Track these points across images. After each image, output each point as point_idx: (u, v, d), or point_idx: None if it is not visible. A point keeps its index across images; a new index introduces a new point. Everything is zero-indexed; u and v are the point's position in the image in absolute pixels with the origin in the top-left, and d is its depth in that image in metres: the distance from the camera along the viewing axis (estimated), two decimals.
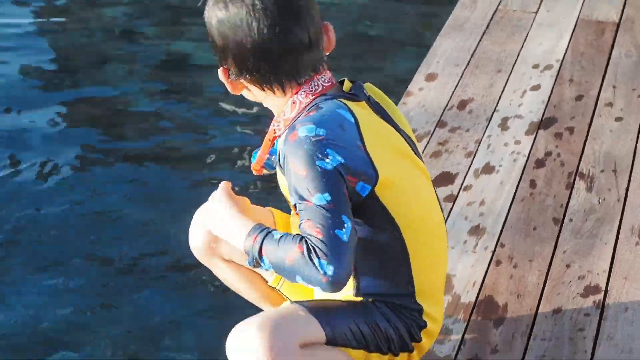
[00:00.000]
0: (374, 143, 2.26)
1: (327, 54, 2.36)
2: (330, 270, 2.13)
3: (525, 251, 3.03)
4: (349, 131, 2.23)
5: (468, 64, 4.09)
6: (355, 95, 2.33)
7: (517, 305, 2.78)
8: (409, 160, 2.37)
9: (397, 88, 4.16)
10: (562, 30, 4.30)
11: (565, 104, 3.81)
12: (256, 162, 2.51)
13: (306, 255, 2.15)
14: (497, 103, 3.83)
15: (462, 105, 3.81)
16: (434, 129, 3.67)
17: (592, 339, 2.65)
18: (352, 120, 2.24)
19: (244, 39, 2.25)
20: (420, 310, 2.42)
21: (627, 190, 3.31)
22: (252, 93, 2.40)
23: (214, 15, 2.30)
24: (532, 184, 3.36)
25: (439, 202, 2.50)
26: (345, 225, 2.17)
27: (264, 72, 2.29)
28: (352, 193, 2.22)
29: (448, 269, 2.79)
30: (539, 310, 2.77)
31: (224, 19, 2.28)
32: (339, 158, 2.19)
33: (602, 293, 2.84)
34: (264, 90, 2.33)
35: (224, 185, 2.48)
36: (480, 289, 2.85)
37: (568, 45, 4.17)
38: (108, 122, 6.05)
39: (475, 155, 3.51)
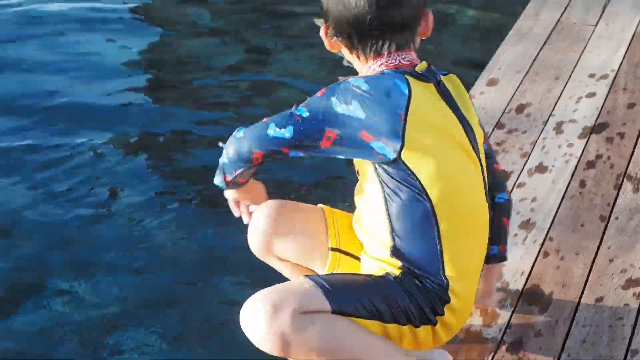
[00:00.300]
0: (420, 118, 2.30)
1: (423, 38, 2.44)
2: (237, 134, 2.45)
3: (572, 245, 3.07)
4: (394, 99, 2.27)
5: (528, 71, 4.11)
6: (425, 76, 2.36)
7: (561, 294, 2.83)
8: (457, 145, 2.39)
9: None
10: (619, 43, 4.31)
11: (617, 111, 3.83)
12: None
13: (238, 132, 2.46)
14: (554, 108, 3.85)
15: (520, 109, 3.83)
16: (492, 130, 3.70)
17: (630, 327, 2.69)
18: (406, 92, 2.28)
19: (345, 7, 2.33)
20: (445, 286, 2.44)
21: None
22: (345, 54, 2.49)
23: None
24: (582, 183, 3.39)
25: (484, 179, 2.50)
26: (283, 131, 2.34)
27: (353, 38, 2.37)
28: (363, 145, 2.29)
29: None
30: (582, 300, 2.81)
31: None
32: (360, 114, 2.28)
33: None
34: (351, 53, 2.43)
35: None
36: (527, 279, 2.90)
37: (624, 57, 4.18)
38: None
39: (530, 156, 3.55)
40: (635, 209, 3.25)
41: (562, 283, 2.89)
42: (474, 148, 2.43)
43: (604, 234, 3.14)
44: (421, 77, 2.34)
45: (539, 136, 3.67)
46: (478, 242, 2.50)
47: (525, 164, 3.49)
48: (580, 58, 4.19)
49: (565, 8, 4.62)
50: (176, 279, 4.19)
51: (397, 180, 2.33)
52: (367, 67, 2.42)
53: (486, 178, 2.51)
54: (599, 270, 2.95)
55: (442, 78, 2.43)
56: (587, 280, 2.91)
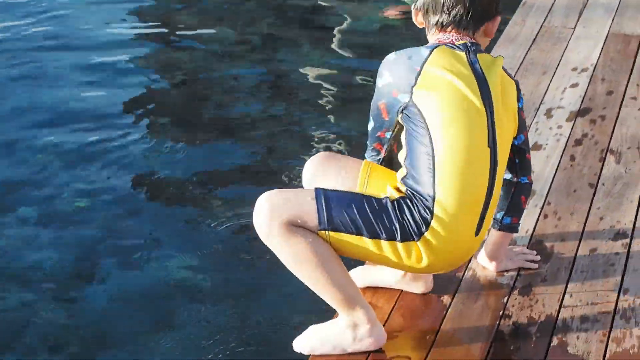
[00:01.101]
0: (434, 72, 2.40)
1: (488, 37, 2.56)
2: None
3: (567, 208, 3.18)
4: (414, 59, 2.41)
5: (519, 68, 4.19)
6: (459, 47, 2.46)
7: (561, 247, 2.96)
8: (463, 98, 2.42)
9: None
10: (596, 41, 4.38)
11: (598, 97, 3.92)
12: None
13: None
14: (543, 97, 3.94)
15: None
16: None
17: (620, 271, 2.84)
18: (425, 54, 2.41)
19: None
20: (430, 207, 2.43)
21: None
22: (422, 24, 2.59)
23: None
24: (572, 157, 3.49)
25: (494, 143, 2.49)
26: (370, 123, 2.59)
27: (429, 13, 2.50)
28: (395, 100, 2.45)
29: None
30: (578, 252, 2.95)
31: None
32: (389, 79, 2.46)
33: (629, 238, 3.02)
34: (425, 22, 2.54)
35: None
36: (532, 236, 3.02)
37: (601, 53, 4.26)
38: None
39: None
40: (618, 176, 3.36)
41: (561, 238, 3.02)
42: (485, 105, 2.44)
43: (593, 197, 3.25)
44: (453, 47, 2.45)
45: (533, 120, 3.75)
46: (476, 182, 2.49)
47: None
48: (563, 55, 4.28)
49: (547, 14, 4.67)
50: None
51: (412, 121, 2.43)
52: (430, 38, 2.55)
53: (497, 136, 2.49)
54: (591, 227, 3.07)
55: (479, 55, 2.47)
56: (582, 236, 3.04)
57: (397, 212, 2.45)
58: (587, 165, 3.48)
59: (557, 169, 3.45)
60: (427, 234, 2.43)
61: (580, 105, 3.89)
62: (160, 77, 6.30)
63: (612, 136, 3.66)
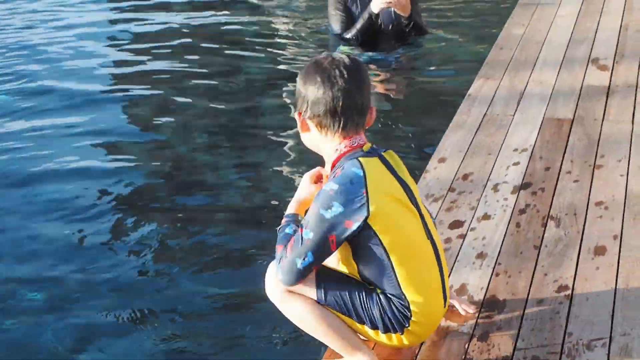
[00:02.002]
0: (375, 188, 2.45)
1: (367, 127, 2.58)
2: (280, 276, 2.53)
3: (515, 267, 3.29)
4: (357, 183, 2.42)
5: (467, 150, 4.27)
6: (370, 153, 2.52)
7: (512, 300, 3.07)
8: (401, 204, 2.52)
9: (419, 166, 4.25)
10: (533, 126, 4.43)
11: (537, 173, 4.01)
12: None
13: (277, 258, 2.54)
14: (490, 174, 4.03)
15: (465, 177, 4.01)
16: (447, 193, 3.86)
17: (565, 318, 2.96)
18: (361, 173, 2.43)
19: (323, 90, 2.46)
20: (407, 306, 2.56)
21: (583, 226, 3.55)
22: (311, 136, 2.57)
23: (309, 78, 2.51)
24: (517, 224, 3.58)
25: (429, 232, 2.63)
26: (306, 259, 2.46)
27: (326, 117, 2.49)
28: (349, 231, 2.45)
29: (462, 280, 3.21)
30: (527, 303, 3.06)
31: (315, 83, 2.48)
32: (340, 209, 2.42)
33: (570, 290, 3.13)
34: (321, 132, 2.53)
35: (314, 170, 2.74)
36: (486, 292, 3.13)
37: (538, 135, 4.36)
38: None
39: (476, 209, 3.71)
40: (558, 239, 3.46)
41: (512, 292, 3.12)
42: (412, 202, 2.56)
43: (537, 257, 3.35)
44: (368, 154, 2.50)
45: (482, 194, 3.84)
46: (430, 270, 2.62)
47: (474, 215, 3.66)
48: (505, 139, 4.37)
49: (490, 104, 4.79)
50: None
51: (364, 239, 2.50)
52: (334, 147, 2.53)
53: (427, 219, 2.65)
54: (537, 282, 3.18)
55: (384, 153, 2.57)
56: (529, 290, 3.14)
57: (381, 308, 2.59)
58: (531, 230, 3.56)
59: (505, 235, 3.53)
60: (409, 328, 2.60)
61: (522, 180, 3.96)
62: None
63: (551, 205, 3.74)
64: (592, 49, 5.49)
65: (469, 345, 2.86)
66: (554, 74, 5.12)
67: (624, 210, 3.66)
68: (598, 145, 4.26)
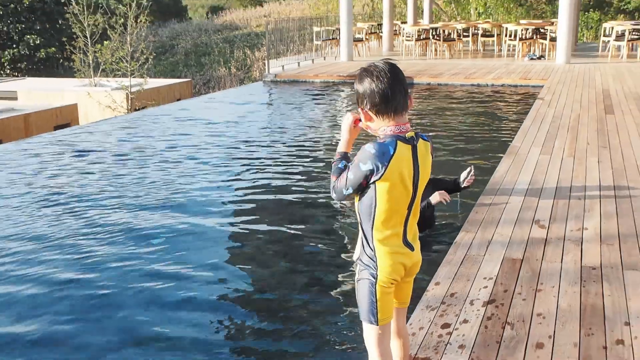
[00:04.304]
0: (393, 167, 2.34)
1: (409, 109, 2.41)
2: (333, 195, 2.45)
3: (484, 355, 3.27)
4: (386, 157, 2.33)
5: (454, 278, 4.18)
6: (408, 140, 2.38)
7: None
8: (402, 183, 2.40)
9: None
10: (496, 262, 4.39)
11: (499, 293, 3.99)
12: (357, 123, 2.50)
13: (332, 184, 2.44)
14: (468, 294, 3.99)
15: (452, 295, 3.96)
16: (439, 305, 3.82)
17: None
18: (392, 153, 2.33)
19: (377, 91, 2.35)
20: (374, 250, 2.42)
21: (529, 329, 3.54)
22: (373, 123, 2.41)
23: (362, 79, 2.38)
24: (486, 327, 3.59)
25: (411, 204, 2.46)
26: (349, 190, 2.40)
27: (384, 107, 2.37)
28: (368, 180, 2.36)
29: None
30: None
31: (368, 81, 2.37)
32: (370, 167, 2.34)
33: None
34: (377, 116, 2.38)
35: (350, 118, 2.51)
36: None
37: (500, 268, 4.34)
38: None
39: (459, 316, 3.70)
40: (512, 337, 3.48)
41: None
42: (414, 183, 2.42)
43: (498, 349, 3.33)
44: (406, 141, 2.38)
45: (462, 307, 3.84)
46: (396, 224, 2.46)
47: (457, 319, 3.67)
48: (478, 270, 4.31)
49: (468, 248, 4.71)
50: None
51: (367, 192, 2.41)
52: (383, 128, 2.38)
53: (415, 200, 2.47)
54: None
55: (418, 144, 2.40)
56: None
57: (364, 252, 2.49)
58: (495, 331, 3.59)
59: (477, 334, 3.56)
60: (380, 278, 2.44)
61: (489, 297, 3.95)
62: None
63: (507, 315, 3.75)
64: (535, 213, 5.53)
65: None
66: (509, 230, 5.07)
67: (555, 319, 3.67)
68: (539, 276, 4.25)
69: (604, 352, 3.28)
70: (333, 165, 2.45)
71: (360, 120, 2.45)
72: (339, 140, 2.52)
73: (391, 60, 2.36)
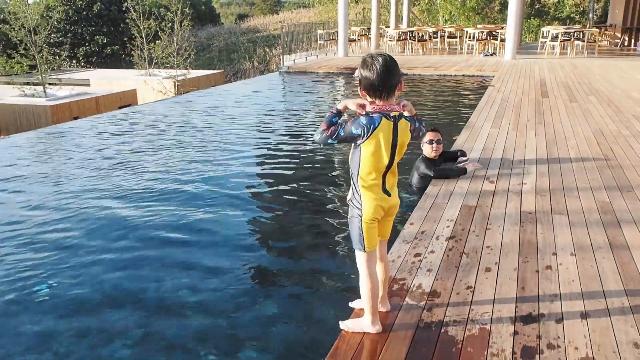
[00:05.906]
0: (374, 135, 2.26)
1: (399, 93, 2.28)
2: (315, 138, 2.33)
3: (446, 277, 3.16)
4: (372, 126, 2.25)
5: (424, 219, 4.02)
6: (392, 118, 2.29)
7: (443, 292, 3.04)
8: (381, 149, 2.30)
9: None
10: (456, 208, 4.19)
11: (458, 231, 3.78)
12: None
13: (320, 130, 2.30)
14: (435, 231, 3.80)
15: (422, 232, 3.81)
16: (413, 240, 3.67)
17: (470, 297, 2.84)
18: (376, 124, 2.25)
19: (369, 77, 2.25)
20: (360, 195, 2.35)
21: (480, 258, 3.44)
22: (366, 100, 2.30)
23: (362, 66, 2.29)
24: (448, 256, 3.44)
25: (388, 168, 2.33)
26: (335, 140, 2.28)
27: (370, 90, 2.28)
28: (357, 141, 2.29)
29: (419, 282, 3.06)
30: (452, 294, 2.92)
31: (364, 70, 2.27)
32: (359, 132, 2.27)
33: (472, 287, 2.99)
34: (369, 96, 2.29)
35: (362, 101, 2.33)
36: (430, 288, 3.04)
37: (459, 212, 4.06)
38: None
39: (428, 247, 3.56)
40: (467, 264, 3.34)
41: (444, 289, 2.97)
42: (391, 153, 2.32)
43: (457, 271, 3.21)
44: (390, 118, 2.28)
45: (430, 241, 3.67)
46: (377, 176, 2.37)
47: (426, 250, 3.52)
48: (442, 214, 4.07)
49: (435, 198, 4.44)
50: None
51: (355, 149, 2.33)
52: (374, 106, 2.28)
53: (394, 162, 2.34)
54: (456, 284, 3.06)
55: (402, 120, 2.30)
56: (452, 287, 3.01)
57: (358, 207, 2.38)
58: (454, 259, 3.45)
59: (441, 261, 3.42)
60: (364, 213, 2.36)
61: (450, 234, 3.82)
62: None
63: (464, 247, 3.67)
64: (486, 172, 5.23)
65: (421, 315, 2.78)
66: (467, 184, 4.89)
67: (500, 250, 3.56)
68: (488, 218, 4.11)
69: (537, 275, 3.24)
70: (328, 115, 2.33)
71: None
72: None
73: (387, 54, 2.27)
